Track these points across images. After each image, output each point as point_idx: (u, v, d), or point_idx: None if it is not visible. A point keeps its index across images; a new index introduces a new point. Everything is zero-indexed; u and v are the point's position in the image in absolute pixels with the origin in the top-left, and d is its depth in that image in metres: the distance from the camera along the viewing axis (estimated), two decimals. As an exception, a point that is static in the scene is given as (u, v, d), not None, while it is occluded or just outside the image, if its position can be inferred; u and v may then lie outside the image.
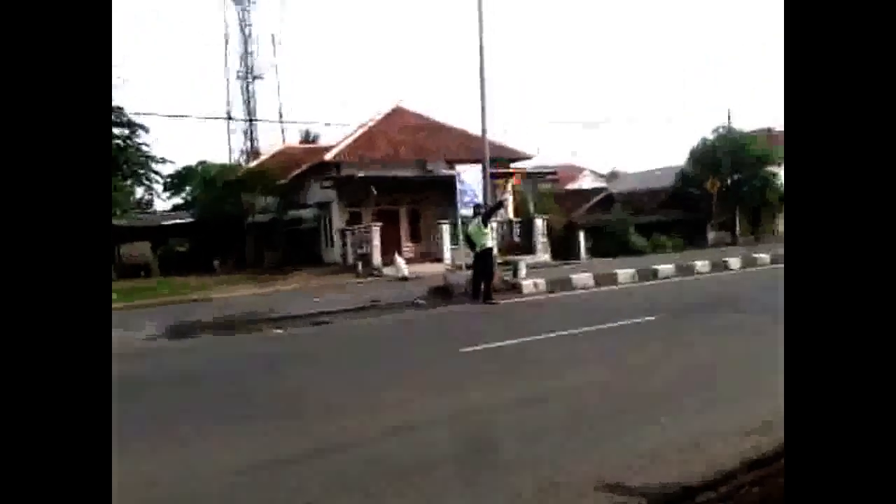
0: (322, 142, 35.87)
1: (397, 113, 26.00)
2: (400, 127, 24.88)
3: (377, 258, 20.10)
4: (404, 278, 17.02)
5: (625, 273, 14.89)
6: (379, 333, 9.77)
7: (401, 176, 22.25)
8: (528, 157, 26.06)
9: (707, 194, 27.68)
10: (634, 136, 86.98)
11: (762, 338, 7.06)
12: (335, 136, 33.15)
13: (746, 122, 47.43)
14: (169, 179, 35.71)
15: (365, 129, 24.68)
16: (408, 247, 23.11)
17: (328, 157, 23.00)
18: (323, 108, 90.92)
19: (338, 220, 23.34)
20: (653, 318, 8.96)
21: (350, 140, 24.08)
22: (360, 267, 20.12)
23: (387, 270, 19.03)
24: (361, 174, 21.19)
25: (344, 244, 22.45)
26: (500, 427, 4.68)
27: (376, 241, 20.30)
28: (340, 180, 22.10)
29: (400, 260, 18.27)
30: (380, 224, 20.79)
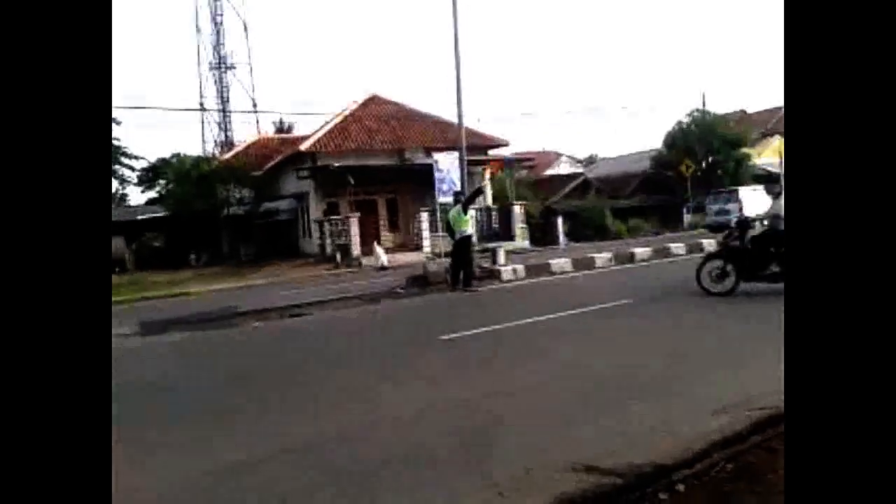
0: (297, 132, 35.55)
1: (372, 101, 25.83)
2: (375, 115, 24.74)
3: (356, 248, 20.02)
4: (383, 267, 16.99)
5: (602, 257, 15.01)
6: (358, 323, 9.75)
7: (378, 165, 22.14)
8: (504, 145, 26.08)
9: (682, 177, 27.94)
10: (612, 120, 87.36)
11: (722, 320, 7.22)
12: (310, 125, 32.82)
13: (721, 105, 47.93)
14: (143, 172, 35.13)
15: (340, 118, 24.48)
16: (386, 236, 23.06)
17: (304, 147, 22.80)
18: (297, 97, 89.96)
19: (315, 210, 23.18)
20: (630, 301, 9.06)
21: (325, 129, 23.88)
22: (338, 257, 20.04)
23: (366, 260, 18.97)
24: (338, 164, 21.03)
25: (322, 235, 22.31)
26: (479, 415, 4.71)
27: (355, 231, 20.21)
28: (317, 171, 21.93)
29: (379, 249, 18.22)
30: (358, 214, 20.69)
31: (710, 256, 9.49)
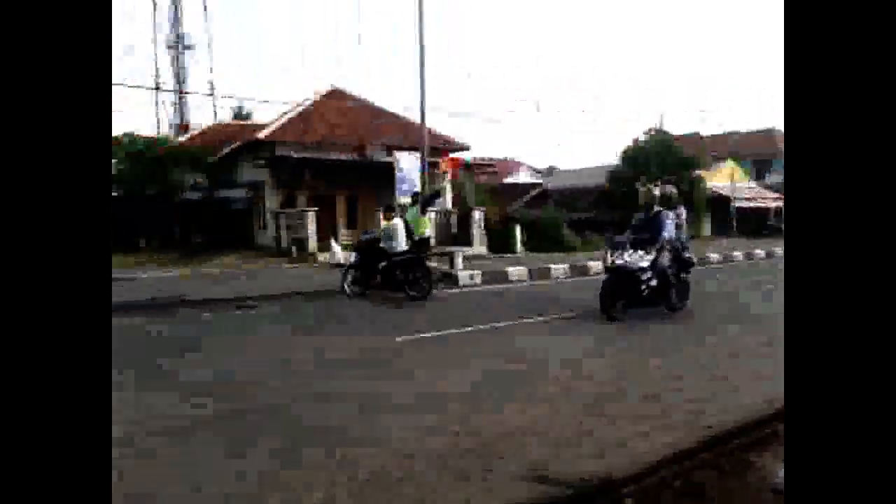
0: (255, 119, 34.81)
1: (335, 94, 25.49)
2: (337, 110, 24.41)
3: (312, 243, 19.72)
4: (339, 265, 16.77)
5: (558, 268, 15.23)
6: (305, 320, 9.60)
7: (338, 160, 21.88)
8: (466, 148, 26.13)
9: (637, 194, 28.50)
10: (571, 133, 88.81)
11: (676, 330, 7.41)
12: (269, 114, 32.16)
13: (677, 126, 49.27)
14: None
15: (301, 108, 24.07)
16: (345, 233, 22.78)
17: (262, 135, 22.27)
18: (256, 84, 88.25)
19: (271, 202, 22.73)
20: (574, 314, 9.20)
21: (285, 119, 23.42)
22: (294, 251, 19.71)
23: (322, 256, 18.72)
24: (297, 156, 20.69)
25: (278, 227, 21.89)
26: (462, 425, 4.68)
27: (312, 226, 19.89)
28: (274, 161, 21.51)
29: (336, 246, 17.99)
30: (316, 209, 20.38)
31: (350, 267, 11.79)
